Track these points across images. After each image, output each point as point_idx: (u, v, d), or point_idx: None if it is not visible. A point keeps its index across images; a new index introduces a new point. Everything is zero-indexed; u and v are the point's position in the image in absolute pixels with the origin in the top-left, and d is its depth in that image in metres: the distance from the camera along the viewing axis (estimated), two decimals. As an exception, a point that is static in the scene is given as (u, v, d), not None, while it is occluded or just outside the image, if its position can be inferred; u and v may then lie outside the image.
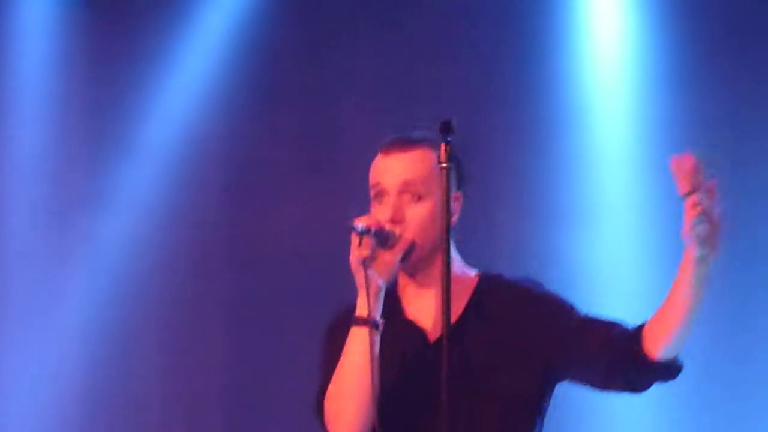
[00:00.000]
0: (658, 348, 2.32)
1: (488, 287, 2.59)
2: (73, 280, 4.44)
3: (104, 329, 4.45)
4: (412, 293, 2.53)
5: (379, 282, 2.40)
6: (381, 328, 2.42)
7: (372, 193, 2.50)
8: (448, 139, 2.30)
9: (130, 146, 4.56)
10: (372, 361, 2.40)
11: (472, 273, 2.61)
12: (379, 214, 2.45)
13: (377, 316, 2.41)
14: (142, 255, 4.49)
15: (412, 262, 2.48)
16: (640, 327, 2.35)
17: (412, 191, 2.45)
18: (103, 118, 4.55)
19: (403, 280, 2.54)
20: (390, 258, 2.42)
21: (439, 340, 2.40)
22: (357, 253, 2.37)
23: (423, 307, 2.52)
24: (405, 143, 2.42)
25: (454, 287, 2.42)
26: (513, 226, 4.34)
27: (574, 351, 2.46)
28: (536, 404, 2.51)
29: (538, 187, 4.51)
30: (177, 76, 4.56)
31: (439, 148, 2.36)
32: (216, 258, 4.61)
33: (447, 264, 2.30)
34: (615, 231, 4.47)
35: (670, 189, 2.26)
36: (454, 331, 2.43)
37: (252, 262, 4.56)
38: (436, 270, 2.44)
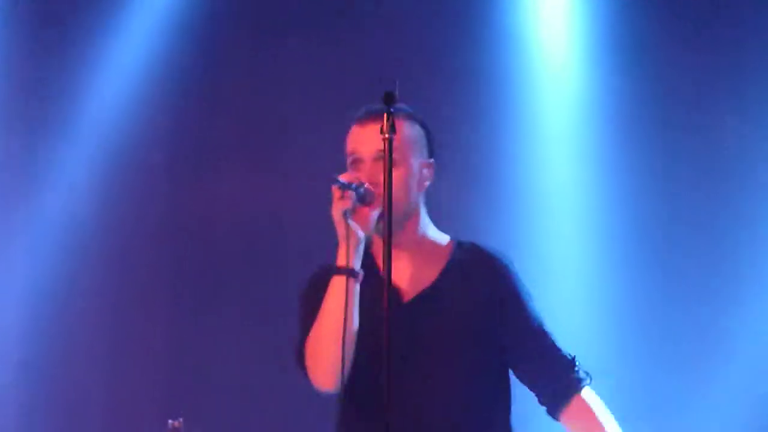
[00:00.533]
0: (565, 425, 2.71)
1: (463, 255, 2.78)
2: (15, 261, 4.62)
3: (46, 307, 4.62)
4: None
5: (360, 234, 2.58)
6: (360, 278, 2.60)
7: (348, 160, 2.69)
8: (391, 109, 2.40)
9: (70, 128, 4.68)
10: (349, 307, 2.60)
11: (446, 239, 2.81)
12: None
13: (357, 266, 2.60)
14: (82, 234, 4.65)
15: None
16: (568, 396, 2.70)
17: (381, 156, 2.55)
18: (43, 101, 4.68)
19: (377, 242, 2.70)
20: (368, 213, 2.61)
21: (413, 300, 2.68)
22: (339, 204, 2.56)
23: (397, 268, 2.63)
24: (379, 114, 2.50)
25: (429, 251, 2.74)
26: (461, 209, 4.46)
27: (513, 351, 2.73)
28: (494, 375, 2.73)
29: (484, 168, 4.70)
30: (119, 57, 4.68)
31: (412, 119, 2.69)
32: (156, 234, 4.79)
33: (389, 230, 2.41)
34: (560, 214, 4.66)
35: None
36: (429, 293, 2.70)
37: (192, 236, 4.78)
38: (409, 233, 2.72)
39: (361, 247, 2.64)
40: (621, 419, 2.90)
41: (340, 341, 2.58)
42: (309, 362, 2.67)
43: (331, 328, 2.60)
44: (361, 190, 2.63)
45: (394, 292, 2.70)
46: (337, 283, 2.62)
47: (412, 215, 2.73)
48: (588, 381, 2.80)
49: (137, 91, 4.70)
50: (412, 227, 2.74)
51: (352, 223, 2.62)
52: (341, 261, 2.60)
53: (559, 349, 2.79)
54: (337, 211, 2.60)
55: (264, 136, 4.77)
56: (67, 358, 4.71)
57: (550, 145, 4.72)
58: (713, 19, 4.77)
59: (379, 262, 2.68)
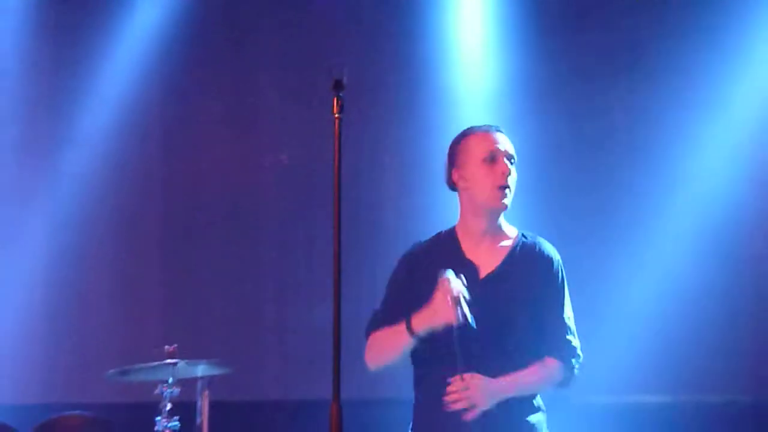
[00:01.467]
0: None
1: (526, 243, 3.51)
2: (39, 208, 5.76)
3: (64, 251, 5.78)
4: (472, 238, 3.43)
5: (441, 322, 3.26)
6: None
7: (485, 156, 3.38)
8: (340, 94, 3.16)
9: (86, 101, 5.79)
10: (404, 352, 3.39)
11: (514, 229, 3.53)
12: (493, 173, 3.35)
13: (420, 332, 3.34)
14: (95, 190, 5.78)
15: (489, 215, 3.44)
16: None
17: (510, 159, 3.41)
18: (65, 78, 5.82)
19: (464, 228, 3.46)
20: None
21: (487, 277, 3.40)
22: (454, 293, 3.23)
23: (479, 251, 3.44)
24: (498, 128, 3.47)
25: (503, 238, 3.45)
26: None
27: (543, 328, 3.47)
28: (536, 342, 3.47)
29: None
30: (125, 52, 5.82)
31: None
32: (155, 191, 5.95)
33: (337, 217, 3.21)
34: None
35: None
36: (500, 271, 3.41)
37: (185, 194, 5.95)
38: (494, 223, 3.43)
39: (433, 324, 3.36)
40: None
41: (391, 363, 3.45)
42: (367, 355, 3.47)
43: (389, 358, 3.43)
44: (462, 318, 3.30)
45: (474, 270, 3.45)
46: (404, 334, 3.36)
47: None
48: (573, 366, 3.52)
49: (138, 81, 5.81)
50: (496, 218, 3.48)
51: (449, 309, 3.29)
52: (416, 326, 3.34)
53: (570, 339, 3.53)
54: (446, 297, 3.26)
55: (241, 115, 5.86)
56: (83, 297, 5.81)
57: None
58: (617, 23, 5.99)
59: (463, 246, 3.47)
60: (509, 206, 3.44)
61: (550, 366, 3.51)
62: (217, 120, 5.96)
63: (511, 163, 3.41)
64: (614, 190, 6.17)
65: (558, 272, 3.57)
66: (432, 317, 3.32)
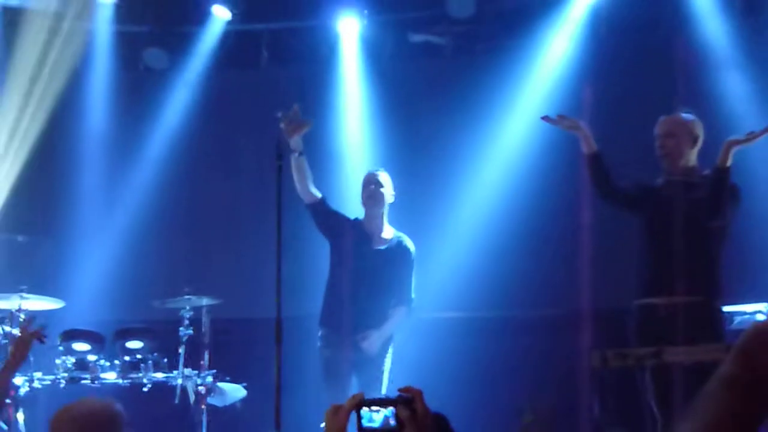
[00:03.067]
0: None
1: (402, 240, 6.53)
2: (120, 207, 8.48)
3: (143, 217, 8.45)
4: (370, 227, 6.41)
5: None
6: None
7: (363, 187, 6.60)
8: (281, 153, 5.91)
9: (143, 152, 8.57)
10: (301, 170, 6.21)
11: (392, 229, 6.61)
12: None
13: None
14: (146, 198, 8.46)
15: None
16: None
17: (377, 186, 6.63)
18: (127, 135, 8.56)
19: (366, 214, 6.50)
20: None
21: (379, 249, 6.52)
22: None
23: (376, 228, 6.53)
24: (377, 170, 6.75)
25: (386, 231, 6.55)
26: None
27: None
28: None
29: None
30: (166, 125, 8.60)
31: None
32: (182, 196, 8.62)
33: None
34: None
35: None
36: (384, 252, 6.49)
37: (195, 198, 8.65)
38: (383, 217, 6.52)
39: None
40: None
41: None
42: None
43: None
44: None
45: (370, 240, 6.42)
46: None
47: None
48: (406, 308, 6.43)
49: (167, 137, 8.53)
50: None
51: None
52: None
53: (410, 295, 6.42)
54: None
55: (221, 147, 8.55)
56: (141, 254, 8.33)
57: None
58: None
59: (366, 230, 6.49)
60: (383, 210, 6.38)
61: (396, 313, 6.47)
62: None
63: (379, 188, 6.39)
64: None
65: (413, 257, 6.56)
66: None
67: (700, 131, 5.63)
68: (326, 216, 6.50)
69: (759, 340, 1.75)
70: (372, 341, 6.33)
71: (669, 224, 5.51)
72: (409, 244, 6.59)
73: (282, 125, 6.02)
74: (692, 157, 5.73)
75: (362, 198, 6.57)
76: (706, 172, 5.71)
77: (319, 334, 6.49)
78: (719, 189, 5.49)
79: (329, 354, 6.39)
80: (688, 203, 5.44)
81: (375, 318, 6.39)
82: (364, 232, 6.57)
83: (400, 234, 6.67)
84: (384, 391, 6.21)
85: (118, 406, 3.40)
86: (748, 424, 1.73)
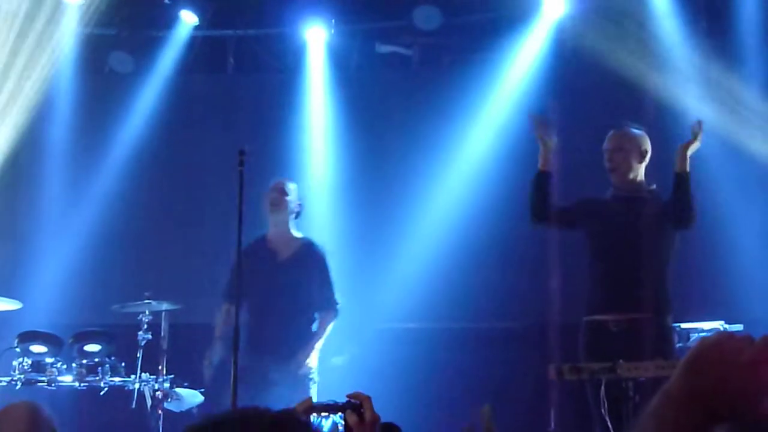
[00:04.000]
0: None
1: (308, 243, 6.35)
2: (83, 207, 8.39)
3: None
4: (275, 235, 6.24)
5: None
6: None
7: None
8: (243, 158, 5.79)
9: (106, 156, 8.54)
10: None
11: (300, 235, 6.36)
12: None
13: None
14: (110, 198, 8.44)
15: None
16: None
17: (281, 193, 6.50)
18: (90, 139, 8.50)
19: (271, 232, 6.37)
20: None
21: (284, 260, 6.31)
22: None
23: (279, 243, 6.36)
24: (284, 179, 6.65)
25: (291, 238, 6.37)
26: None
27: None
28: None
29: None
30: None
31: None
32: (144, 197, 8.59)
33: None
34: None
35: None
36: (290, 261, 6.28)
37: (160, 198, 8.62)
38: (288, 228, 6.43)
39: None
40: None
41: None
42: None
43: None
44: None
45: (275, 254, 6.18)
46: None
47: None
48: (332, 312, 6.21)
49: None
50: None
51: None
52: None
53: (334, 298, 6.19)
54: None
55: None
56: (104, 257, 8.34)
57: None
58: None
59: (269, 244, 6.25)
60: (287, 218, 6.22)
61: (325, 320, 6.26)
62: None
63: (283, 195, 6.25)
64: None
65: (325, 255, 6.36)
66: None
67: (648, 146, 5.66)
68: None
69: (704, 354, 1.77)
70: (299, 364, 6.19)
71: (615, 240, 5.55)
72: (319, 245, 6.50)
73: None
74: (640, 171, 5.74)
75: (266, 205, 6.52)
76: (653, 186, 5.75)
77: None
78: (682, 193, 5.47)
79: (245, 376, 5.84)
80: (634, 218, 5.47)
81: (299, 335, 6.24)
82: (267, 248, 6.46)
83: (308, 238, 6.58)
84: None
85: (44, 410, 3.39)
86: None
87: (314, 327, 6.34)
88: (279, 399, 5.70)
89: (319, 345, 6.29)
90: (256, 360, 6.13)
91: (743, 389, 1.73)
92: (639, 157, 5.65)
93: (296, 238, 6.57)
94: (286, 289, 6.33)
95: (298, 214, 6.69)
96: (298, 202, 6.64)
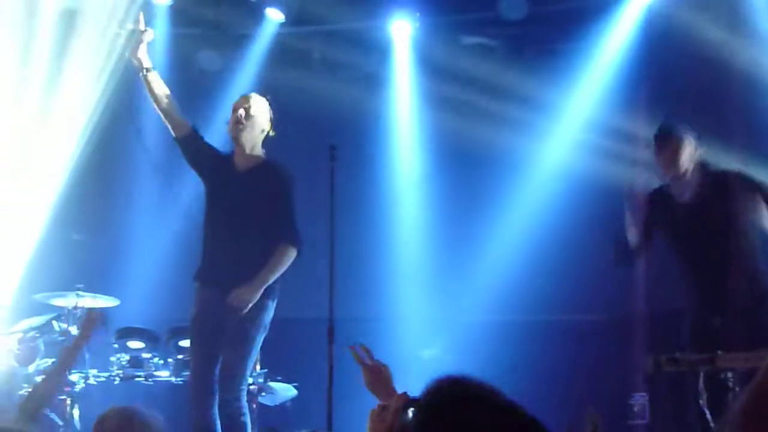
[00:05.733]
0: None
1: (271, 162, 5.64)
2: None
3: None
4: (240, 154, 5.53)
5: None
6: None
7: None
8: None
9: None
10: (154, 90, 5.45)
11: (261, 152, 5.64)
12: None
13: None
14: None
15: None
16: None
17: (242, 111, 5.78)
18: None
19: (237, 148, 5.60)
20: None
21: (244, 172, 5.55)
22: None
23: (240, 161, 5.64)
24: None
25: (256, 156, 5.61)
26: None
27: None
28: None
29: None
30: None
31: None
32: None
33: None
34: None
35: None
36: (247, 175, 5.53)
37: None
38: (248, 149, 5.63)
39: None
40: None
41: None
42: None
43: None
44: None
45: (235, 166, 5.47)
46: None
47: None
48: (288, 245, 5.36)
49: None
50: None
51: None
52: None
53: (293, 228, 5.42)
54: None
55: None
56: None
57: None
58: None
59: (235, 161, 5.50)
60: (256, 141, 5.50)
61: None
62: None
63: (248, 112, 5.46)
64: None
65: (288, 181, 5.59)
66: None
67: (696, 144, 5.47)
68: (196, 151, 5.69)
69: None
70: (242, 297, 5.35)
71: (692, 243, 5.49)
72: (283, 168, 5.66)
73: (124, 42, 5.47)
74: (696, 173, 5.58)
75: (228, 126, 5.71)
76: (709, 168, 5.59)
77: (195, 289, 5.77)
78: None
79: (198, 312, 5.64)
80: (704, 217, 5.38)
81: (248, 263, 5.41)
82: (233, 166, 5.65)
83: (274, 160, 5.77)
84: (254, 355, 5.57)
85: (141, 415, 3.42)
86: None
87: (267, 261, 5.55)
88: (224, 338, 5.37)
89: (268, 278, 5.47)
90: (213, 292, 5.57)
91: None
92: (693, 157, 5.48)
93: (260, 156, 5.81)
94: (241, 208, 5.67)
95: (267, 133, 5.89)
96: (268, 118, 5.86)
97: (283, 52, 8.63)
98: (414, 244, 7.85)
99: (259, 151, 5.66)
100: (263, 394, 7.07)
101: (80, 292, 7.05)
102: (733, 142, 6.25)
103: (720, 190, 5.45)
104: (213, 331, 5.49)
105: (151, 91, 5.52)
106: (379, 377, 2.86)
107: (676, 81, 7.69)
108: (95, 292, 7.19)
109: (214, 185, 5.70)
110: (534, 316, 7.95)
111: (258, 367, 7.05)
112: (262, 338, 5.60)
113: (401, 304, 6.91)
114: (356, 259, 7.14)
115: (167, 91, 5.60)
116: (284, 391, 7.17)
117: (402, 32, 8.56)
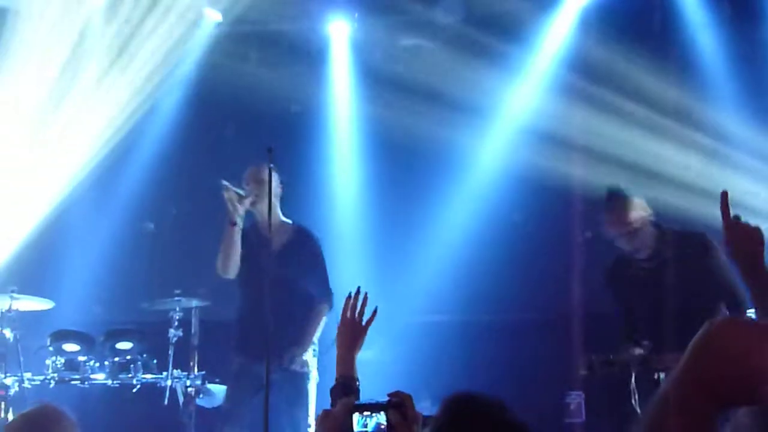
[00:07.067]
0: None
1: (300, 229, 6.18)
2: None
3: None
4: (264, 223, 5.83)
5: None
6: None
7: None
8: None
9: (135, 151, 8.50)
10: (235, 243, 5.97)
11: (289, 221, 6.11)
12: None
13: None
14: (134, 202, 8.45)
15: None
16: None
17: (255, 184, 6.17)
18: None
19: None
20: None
21: (278, 251, 5.91)
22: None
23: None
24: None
25: (281, 224, 6.07)
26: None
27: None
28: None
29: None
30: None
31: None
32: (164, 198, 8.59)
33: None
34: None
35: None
36: (283, 249, 6.01)
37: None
38: (276, 218, 5.85)
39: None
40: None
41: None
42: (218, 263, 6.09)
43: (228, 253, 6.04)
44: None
45: (268, 242, 5.60)
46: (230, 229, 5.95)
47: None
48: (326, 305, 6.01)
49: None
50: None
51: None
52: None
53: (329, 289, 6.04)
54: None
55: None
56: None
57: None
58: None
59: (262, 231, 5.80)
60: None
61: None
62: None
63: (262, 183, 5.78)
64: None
65: (320, 245, 6.19)
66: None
67: (645, 205, 5.39)
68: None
69: (710, 339, 1.77)
70: (292, 359, 6.00)
71: (648, 309, 5.40)
72: (312, 232, 6.19)
73: (226, 195, 5.92)
74: (652, 236, 5.47)
75: (248, 192, 6.12)
76: (660, 229, 5.52)
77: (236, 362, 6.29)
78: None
79: (245, 382, 6.12)
80: (662, 286, 5.26)
81: (294, 330, 6.01)
82: (260, 236, 6.06)
83: (299, 224, 6.29)
84: (313, 408, 5.98)
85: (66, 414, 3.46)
86: (699, 425, 1.74)
87: (309, 321, 6.15)
88: (278, 396, 5.65)
89: (313, 339, 6.09)
90: (252, 361, 5.97)
91: (750, 374, 1.71)
92: (648, 226, 5.38)
93: (286, 224, 6.28)
94: (281, 281, 5.95)
95: (282, 198, 6.34)
96: (280, 184, 6.22)
97: (220, 54, 8.53)
98: (351, 244, 7.89)
99: (281, 214, 6.10)
100: (201, 396, 7.02)
101: (14, 294, 6.96)
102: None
103: (678, 252, 5.35)
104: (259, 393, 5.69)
105: (230, 244, 5.98)
106: (350, 330, 3.00)
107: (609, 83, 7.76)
108: (30, 294, 7.12)
109: (250, 264, 6.14)
110: (471, 316, 7.98)
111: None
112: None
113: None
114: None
115: (239, 245, 6.04)
116: (222, 393, 7.11)
117: (340, 33, 8.56)
